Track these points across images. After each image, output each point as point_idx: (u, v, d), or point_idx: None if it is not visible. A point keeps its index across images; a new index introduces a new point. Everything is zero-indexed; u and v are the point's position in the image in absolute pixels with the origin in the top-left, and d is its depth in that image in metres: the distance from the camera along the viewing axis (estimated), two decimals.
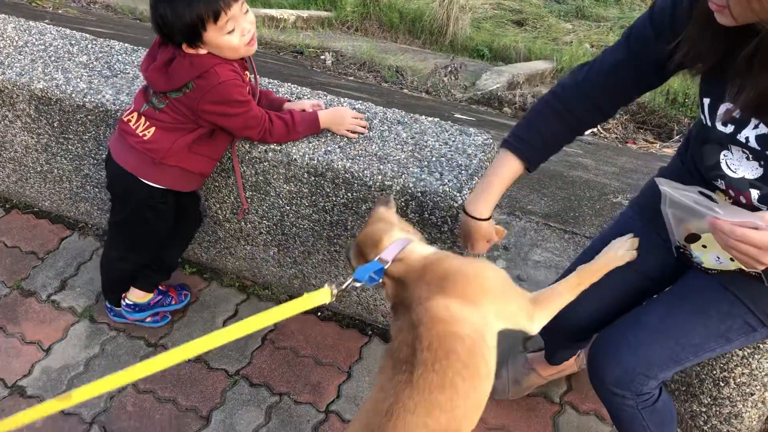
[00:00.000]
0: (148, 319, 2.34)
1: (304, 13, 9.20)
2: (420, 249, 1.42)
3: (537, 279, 2.52)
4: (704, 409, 1.98)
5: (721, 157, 1.40)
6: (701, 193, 1.23)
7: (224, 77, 1.77)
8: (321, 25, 9.26)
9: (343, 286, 1.38)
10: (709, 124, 1.38)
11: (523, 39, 8.87)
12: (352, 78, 6.92)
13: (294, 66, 6.97)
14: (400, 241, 1.41)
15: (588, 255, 1.76)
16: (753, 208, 1.36)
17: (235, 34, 1.76)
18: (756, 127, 1.28)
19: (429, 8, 8.90)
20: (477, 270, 1.36)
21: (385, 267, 1.37)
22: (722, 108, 1.33)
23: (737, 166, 1.37)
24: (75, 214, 2.75)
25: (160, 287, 2.35)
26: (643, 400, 1.57)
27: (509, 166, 1.59)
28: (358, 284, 1.38)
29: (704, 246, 1.35)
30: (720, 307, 1.49)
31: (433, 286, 1.30)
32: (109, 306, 2.34)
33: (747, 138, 1.30)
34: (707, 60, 1.30)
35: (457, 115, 5.46)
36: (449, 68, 7.32)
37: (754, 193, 1.36)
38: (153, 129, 1.88)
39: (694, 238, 1.35)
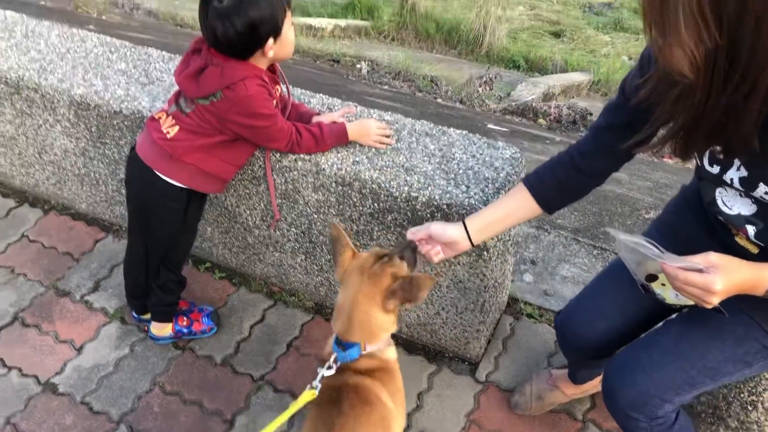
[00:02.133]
0: (197, 334, 2.39)
1: (342, 23, 9.28)
2: (391, 352, 1.65)
3: (564, 294, 2.50)
4: None
5: (717, 193, 1.40)
6: (648, 241, 1.29)
7: (252, 91, 1.81)
8: (358, 34, 9.32)
9: (327, 373, 1.55)
10: (698, 162, 1.37)
11: (560, 50, 8.81)
12: (386, 87, 6.95)
13: (330, 74, 7.03)
14: (385, 341, 1.61)
15: (609, 274, 1.75)
16: (752, 244, 1.39)
17: (292, 28, 1.85)
18: (738, 169, 1.27)
19: (465, 19, 8.90)
20: (402, 391, 1.70)
21: (360, 354, 1.56)
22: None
23: (732, 203, 1.38)
24: (110, 217, 2.82)
25: (181, 323, 2.36)
26: (658, 424, 1.55)
27: (524, 203, 1.64)
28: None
29: (663, 284, 1.40)
30: (735, 330, 1.47)
31: (379, 377, 1.58)
32: (136, 316, 2.40)
33: (732, 179, 1.30)
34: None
35: (491, 126, 5.45)
36: (484, 78, 7.31)
37: (751, 229, 1.37)
38: (177, 128, 1.92)
39: (653, 278, 1.40)
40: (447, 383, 2.24)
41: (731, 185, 1.32)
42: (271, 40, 1.79)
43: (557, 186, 1.61)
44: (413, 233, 1.68)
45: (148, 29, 7.30)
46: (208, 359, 2.33)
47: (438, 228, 1.64)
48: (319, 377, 1.53)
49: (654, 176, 4.45)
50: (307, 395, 1.50)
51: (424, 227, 1.66)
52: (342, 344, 1.56)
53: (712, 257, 1.22)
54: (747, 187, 1.28)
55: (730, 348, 1.46)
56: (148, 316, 2.36)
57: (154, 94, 2.36)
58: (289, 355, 2.34)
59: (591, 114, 6.67)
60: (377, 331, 1.58)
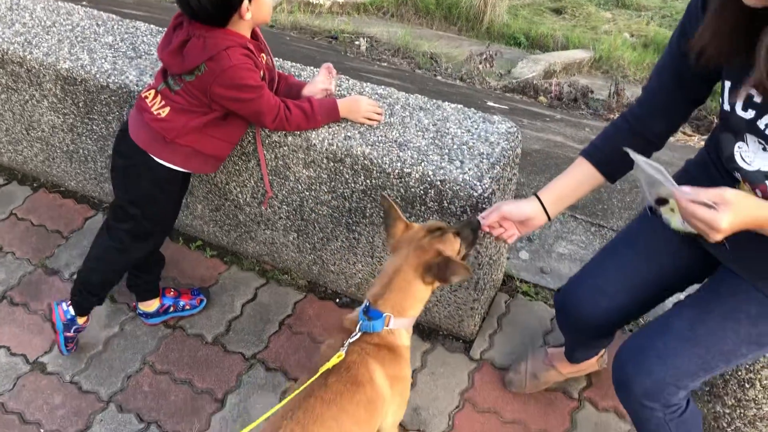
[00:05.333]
0: (186, 308, 2.35)
1: None
2: (405, 339, 1.63)
3: (561, 272, 2.46)
4: (728, 411, 1.92)
5: (735, 149, 1.37)
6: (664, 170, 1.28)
7: (235, 61, 1.75)
8: (357, 10, 9.21)
9: (351, 340, 1.55)
10: (728, 108, 1.34)
11: (561, 27, 8.72)
12: (385, 64, 6.87)
13: (328, 51, 6.95)
14: (410, 321, 1.63)
15: (610, 250, 1.72)
16: None
17: None
18: None
19: None
20: (407, 380, 1.68)
21: (382, 329, 1.56)
22: (743, 91, 1.29)
23: (752, 158, 1.35)
24: (99, 195, 2.78)
25: (168, 294, 2.33)
26: (671, 412, 1.51)
27: (587, 175, 1.63)
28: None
29: (672, 210, 1.36)
30: (749, 310, 1.43)
31: (382, 356, 1.56)
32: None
33: (766, 125, 1.26)
34: (727, 54, 1.28)
35: (490, 103, 5.38)
36: (484, 55, 7.23)
37: None
38: (168, 109, 1.87)
39: (663, 201, 1.36)
40: (441, 361, 2.21)
41: (762, 132, 1.28)
42: (246, 2, 1.73)
43: (617, 153, 1.57)
44: (484, 218, 1.65)
45: (143, 5, 7.21)
46: (198, 338, 2.30)
47: (511, 208, 1.62)
48: (345, 344, 1.53)
49: (655, 153, 4.39)
50: (334, 359, 1.51)
51: (495, 209, 1.64)
52: (369, 314, 1.57)
53: (727, 194, 1.19)
54: None
55: (745, 329, 1.43)
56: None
57: (141, 68, 2.31)
58: (281, 333, 2.31)
59: (592, 92, 6.60)
60: (410, 304, 1.59)
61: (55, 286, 2.47)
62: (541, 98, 6.53)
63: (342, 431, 1.46)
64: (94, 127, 2.46)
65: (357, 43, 7.54)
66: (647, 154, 1.59)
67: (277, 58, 2.09)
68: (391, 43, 7.55)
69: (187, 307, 2.35)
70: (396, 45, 7.45)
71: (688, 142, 5.43)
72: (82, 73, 2.31)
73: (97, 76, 2.29)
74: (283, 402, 1.45)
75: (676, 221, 1.40)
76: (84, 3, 5.86)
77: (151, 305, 2.30)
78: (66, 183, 2.84)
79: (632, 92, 6.62)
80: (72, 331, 2.17)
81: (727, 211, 1.17)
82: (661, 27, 8.77)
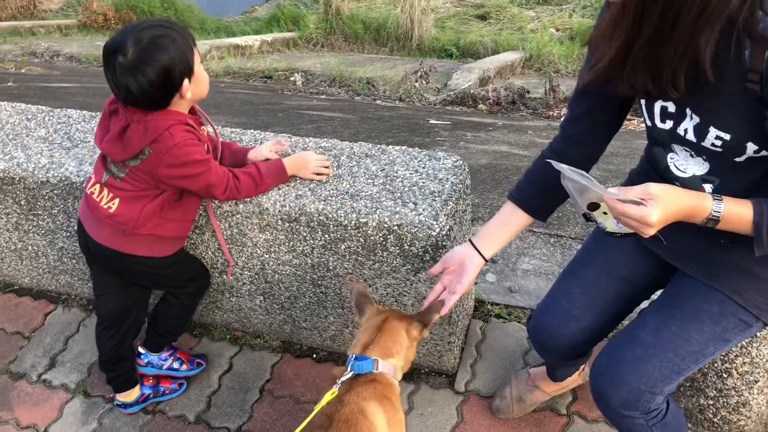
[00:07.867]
0: (167, 393, 2.30)
1: (269, 37, 9.19)
2: (395, 382, 1.65)
3: (528, 288, 2.49)
4: (711, 402, 1.96)
5: (669, 159, 1.42)
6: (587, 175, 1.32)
7: (179, 138, 1.74)
8: (286, 46, 9.25)
9: (343, 378, 1.57)
10: (649, 123, 1.39)
11: (489, 33, 8.88)
12: (323, 96, 6.89)
13: (264, 93, 6.93)
14: (394, 368, 1.64)
15: (572, 272, 1.74)
16: None
17: (202, 65, 1.82)
18: (691, 118, 1.29)
19: (391, 15, 8.90)
20: (403, 423, 1.67)
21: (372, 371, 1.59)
22: (657, 105, 1.35)
23: (685, 165, 1.40)
24: (56, 287, 2.71)
25: (147, 383, 2.28)
26: (652, 417, 1.54)
27: (513, 215, 1.68)
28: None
29: (605, 213, 1.40)
30: (711, 310, 1.47)
31: (378, 398, 1.57)
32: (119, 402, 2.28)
33: (686, 130, 1.31)
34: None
35: (433, 121, 5.44)
36: (419, 73, 7.31)
37: (708, 188, 1.38)
38: (117, 201, 1.84)
39: (594, 206, 1.40)
40: (428, 400, 2.21)
41: (684, 139, 1.32)
42: (186, 81, 1.73)
43: (540, 192, 1.64)
44: (432, 271, 1.73)
45: (72, 75, 7.11)
46: (180, 419, 2.25)
47: (447, 253, 1.71)
48: (338, 382, 1.56)
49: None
50: (328, 395, 1.54)
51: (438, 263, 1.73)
52: (357, 360, 1.59)
53: (652, 188, 1.22)
54: (699, 135, 1.28)
55: (709, 328, 1.46)
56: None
57: (80, 157, 2.27)
58: (263, 400, 2.27)
59: (528, 92, 6.72)
60: (397, 348, 1.64)
61: (24, 391, 2.39)
62: (481, 106, 6.62)
63: None
64: (41, 222, 2.41)
65: (292, 78, 7.55)
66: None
67: (216, 122, 2.07)
68: (326, 74, 7.59)
69: (167, 392, 2.29)
70: (331, 75, 7.49)
71: (628, 126, 5.56)
72: (19, 171, 2.26)
73: (36, 172, 2.25)
74: None
75: (610, 223, 1.43)
76: (10, 84, 5.76)
77: (131, 395, 2.23)
78: (19, 281, 2.76)
79: (567, 86, 6.76)
80: (162, 365, 2.30)
81: (655, 205, 1.21)
82: (583, 18, 9.00)
